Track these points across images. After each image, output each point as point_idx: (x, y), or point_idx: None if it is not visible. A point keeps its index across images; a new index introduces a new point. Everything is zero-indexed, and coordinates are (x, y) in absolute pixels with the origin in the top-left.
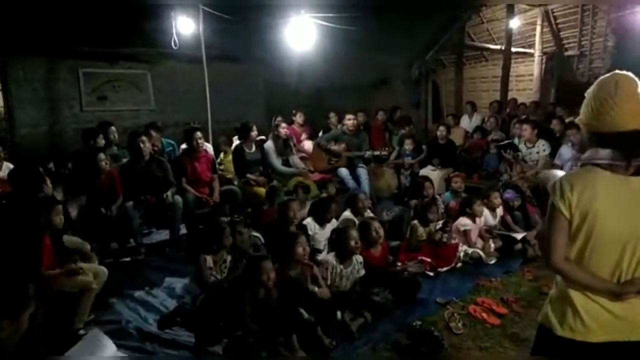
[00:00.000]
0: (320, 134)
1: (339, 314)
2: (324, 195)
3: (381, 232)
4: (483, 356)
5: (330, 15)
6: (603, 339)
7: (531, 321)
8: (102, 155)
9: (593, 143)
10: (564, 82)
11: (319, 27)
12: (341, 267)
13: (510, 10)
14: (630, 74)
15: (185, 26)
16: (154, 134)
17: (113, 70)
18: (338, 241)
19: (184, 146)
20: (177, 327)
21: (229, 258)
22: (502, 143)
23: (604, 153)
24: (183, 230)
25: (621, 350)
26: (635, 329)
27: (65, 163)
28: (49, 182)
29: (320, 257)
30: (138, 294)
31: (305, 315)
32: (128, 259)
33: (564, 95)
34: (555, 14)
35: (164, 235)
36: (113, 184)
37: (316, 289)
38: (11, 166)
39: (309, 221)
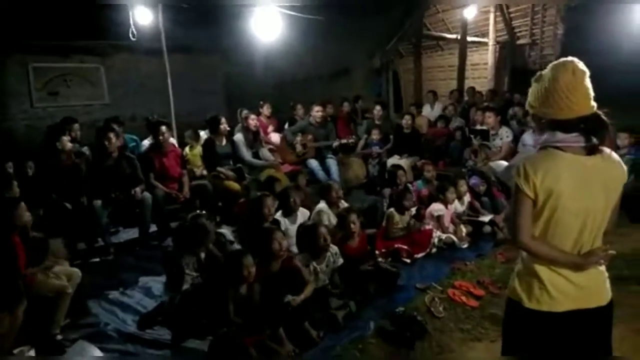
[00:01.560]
0: (286, 125)
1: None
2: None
3: (358, 223)
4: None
5: (296, 4)
6: (567, 308)
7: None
8: (68, 144)
9: (547, 127)
10: (517, 69)
11: (283, 17)
12: (314, 264)
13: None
14: (578, 60)
15: (142, 17)
16: (116, 128)
17: (65, 65)
18: (307, 239)
19: (147, 141)
20: (158, 327)
21: (202, 255)
22: (476, 128)
23: (563, 136)
24: (152, 227)
25: (582, 317)
26: (594, 296)
27: (23, 161)
28: (15, 183)
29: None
30: (113, 295)
31: (296, 300)
32: (97, 259)
33: (517, 83)
34: (507, 3)
35: (131, 233)
36: (78, 179)
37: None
38: None
39: (279, 216)
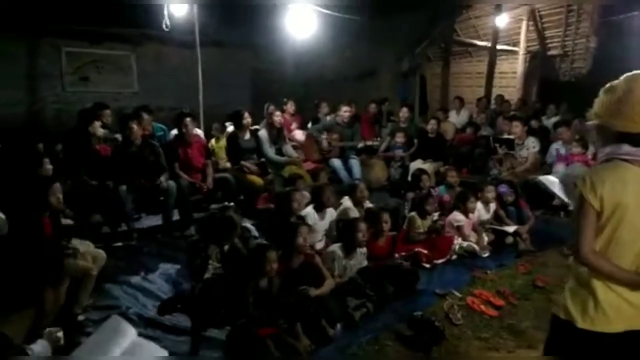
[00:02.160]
0: (310, 124)
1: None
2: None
3: (389, 223)
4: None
5: (328, 3)
6: (622, 328)
7: (527, 313)
8: (99, 130)
9: (613, 139)
10: (546, 80)
11: (316, 15)
12: (346, 259)
13: (498, 8)
14: None
15: (177, 9)
16: (145, 116)
17: (97, 51)
18: (345, 233)
19: (174, 132)
20: (177, 314)
21: (226, 247)
22: (501, 137)
23: (631, 149)
24: (175, 216)
25: (636, 339)
26: None
27: (53, 144)
28: (47, 161)
29: (318, 246)
30: (134, 279)
31: (314, 292)
32: (120, 244)
33: (545, 93)
34: (540, 13)
35: (154, 220)
36: (106, 163)
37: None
38: None
39: (308, 211)
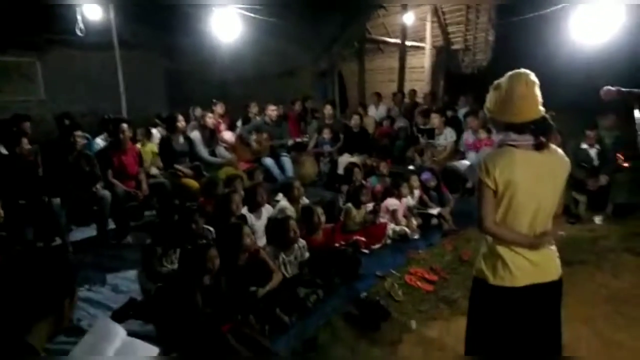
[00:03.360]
0: (239, 123)
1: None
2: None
3: (323, 217)
4: None
5: (250, 7)
6: (526, 282)
7: (457, 285)
8: (27, 145)
9: (503, 128)
10: (451, 73)
11: (238, 18)
12: (283, 256)
13: (404, 7)
14: (530, 72)
15: (92, 12)
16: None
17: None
18: (277, 232)
19: (99, 139)
20: (130, 320)
21: (178, 249)
22: (423, 128)
23: (516, 136)
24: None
25: (538, 291)
26: (547, 272)
27: None
28: None
29: (260, 244)
30: (80, 293)
31: (261, 291)
32: None
33: (451, 85)
34: (443, 10)
35: (86, 232)
36: (35, 177)
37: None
38: None
39: (245, 212)
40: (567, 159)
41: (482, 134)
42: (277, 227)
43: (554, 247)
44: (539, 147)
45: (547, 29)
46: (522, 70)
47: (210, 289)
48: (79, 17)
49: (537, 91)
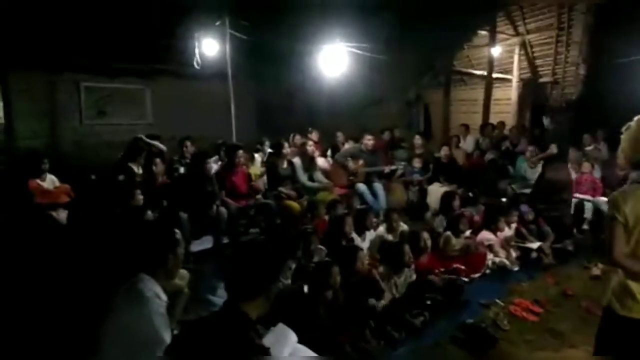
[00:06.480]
0: (329, 151)
1: None
2: (359, 207)
3: (429, 242)
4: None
5: (352, 44)
6: None
7: (563, 318)
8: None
9: (636, 167)
10: (539, 106)
11: (348, 54)
12: (395, 277)
13: (492, 39)
14: None
15: (210, 47)
16: (189, 146)
17: (113, 85)
18: (392, 254)
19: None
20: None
21: (293, 265)
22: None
23: None
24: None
25: None
26: None
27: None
28: (139, 192)
29: None
30: (213, 298)
31: (378, 305)
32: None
33: (538, 118)
34: (532, 43)
35: (200, 245)
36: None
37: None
38: (54, 178)
39: (353, 234)
40: None
41: (586, 168)
42: (392, 250)
43: None
44: None
45: None
46: None
47: (331, 303)
48: (196, 51)
49: None
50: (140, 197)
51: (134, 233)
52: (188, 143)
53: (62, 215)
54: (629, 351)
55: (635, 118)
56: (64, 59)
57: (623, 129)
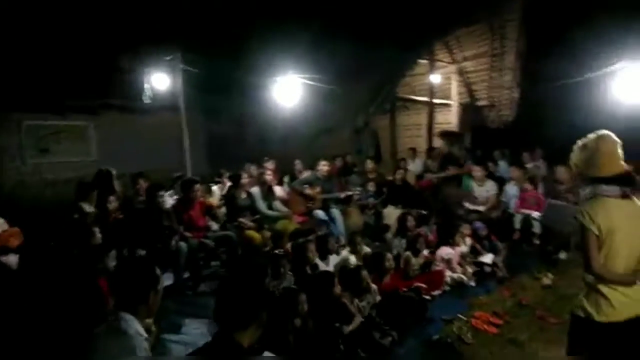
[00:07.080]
0: (286, 179)
1: None
2: (321, 233)
3: (392, 263)
4: None
5: (307, 75)
6: (626, 316)
7: (522, 328)
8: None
9: (589, 182)
10: (477, 128)
11: (300, 85)
12: (357, 301)
13: (431, 67)
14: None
15: (160, 81)
16: (142, 183)
17: (56, 122)
18: (351, 280)
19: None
20: None
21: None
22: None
23: (606, 187)
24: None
25: (634, 324)
26: None
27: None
28: (97, 230)
29: None
30: (172, 337)
31: (347, 328)
32: None
33: (477, 140)
34: (468, 69)
35: (164, 281)
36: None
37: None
38: (1, 220)
39: (317, 260)
40: None
41: (528, 186)
42: (350, 276)
43: None
44: (625, 196)
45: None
46: (606, 131)
47: (300, 330)
48: (146, 85)
49: (620, 149)
50: (99, 235)
51: (96, 274)
52: (141, 180)
53: (11, 259)
54: (607, 354)
55: (591, 136)
56: (5, 97)
57: (576, 145)
